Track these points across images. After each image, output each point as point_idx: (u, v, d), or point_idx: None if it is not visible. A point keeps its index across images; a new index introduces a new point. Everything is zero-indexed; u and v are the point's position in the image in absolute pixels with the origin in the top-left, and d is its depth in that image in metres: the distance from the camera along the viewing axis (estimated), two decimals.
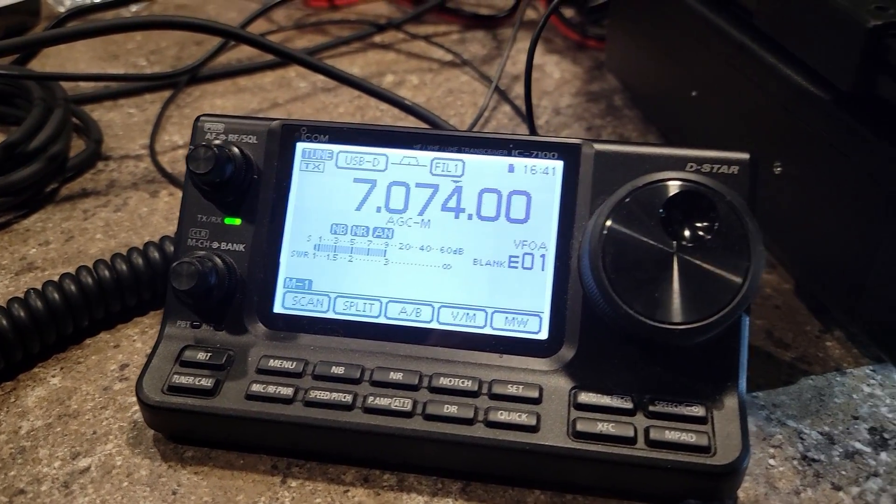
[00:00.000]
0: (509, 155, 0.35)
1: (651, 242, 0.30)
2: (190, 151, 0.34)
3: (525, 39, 0.69)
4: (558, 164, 0.35)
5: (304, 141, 0.36)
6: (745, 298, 0.30)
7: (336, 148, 0.36)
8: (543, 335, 0.34)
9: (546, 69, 0.64)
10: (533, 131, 0.44)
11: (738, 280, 0.30)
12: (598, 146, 0.34)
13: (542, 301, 0.34)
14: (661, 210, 0.31)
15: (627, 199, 0.31)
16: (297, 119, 0.37)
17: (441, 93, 0.61)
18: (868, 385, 0.36)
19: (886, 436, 0.34)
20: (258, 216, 0.36)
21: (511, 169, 0.35)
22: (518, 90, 0.62)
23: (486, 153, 0.35)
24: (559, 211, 0.34)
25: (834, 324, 0.40)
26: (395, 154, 0.36)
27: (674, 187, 0.31)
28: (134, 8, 0.74)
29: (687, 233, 0.31)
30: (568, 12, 0.68)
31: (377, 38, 0.69)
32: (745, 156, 0.33)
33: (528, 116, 0.46)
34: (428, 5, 0.69)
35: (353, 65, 0.66)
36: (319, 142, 0.36)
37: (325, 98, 0.60)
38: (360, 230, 0.36)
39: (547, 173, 0.35)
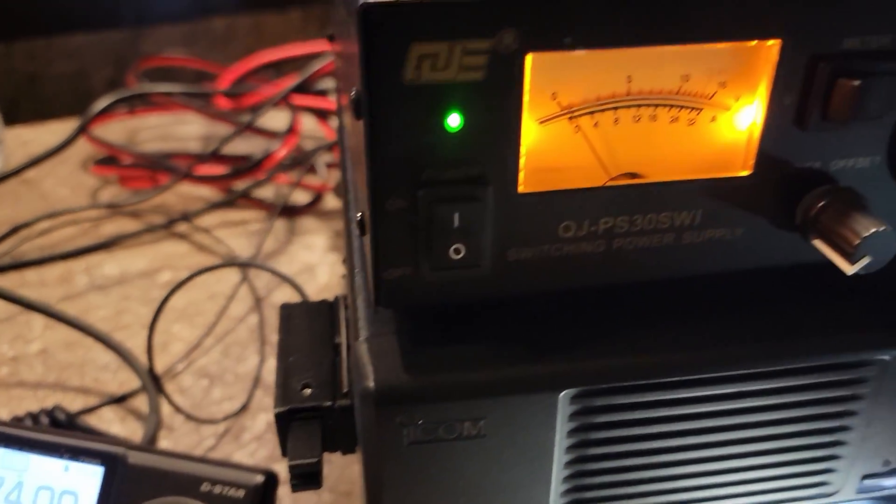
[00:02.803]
0: (62, 458, 0.38)
1: None
2: None
3: (323, 232, 0.73)
4: (100, 470, 0.37)
5: None
6: None
7: None
8: None
9: (317, 271, 0.67)
10: (153, 376, 0.47)
11: None
12: (133, 457, 0.37)
13: None
14: None
15: None
16: None
17: (203, 296, 0.64)
18: None
19: None
20: None
21: (66, 469, 0.38)
22: (280, 296, 0.64)
23: (44, 454, 0.38)
24: None
25: None
26: None
27: None
28: None
29: None
30: None
31: (180, 227, 0.74)
32: (255, 479, 0.36)
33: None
34: (232, 196, 0.73)
35: (143, 256, 0.69)
36: None
37: (93, 298, 0.64)
38: None
39: (94, 476, 0.38)
